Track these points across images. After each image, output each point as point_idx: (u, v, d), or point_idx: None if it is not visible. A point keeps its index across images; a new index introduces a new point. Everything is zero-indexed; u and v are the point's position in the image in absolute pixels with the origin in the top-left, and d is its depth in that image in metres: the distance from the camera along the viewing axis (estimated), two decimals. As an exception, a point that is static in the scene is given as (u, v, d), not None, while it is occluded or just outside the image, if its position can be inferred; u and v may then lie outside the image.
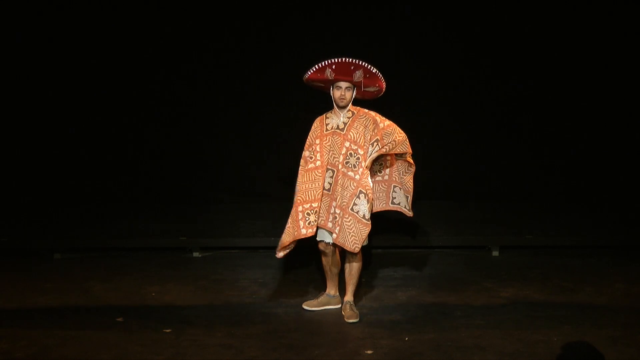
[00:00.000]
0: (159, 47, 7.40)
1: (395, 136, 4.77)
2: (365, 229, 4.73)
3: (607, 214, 7.12)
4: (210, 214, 7.35)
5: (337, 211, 4.75)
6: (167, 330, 4.57)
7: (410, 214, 5.07)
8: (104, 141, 7.54)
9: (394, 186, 5.05)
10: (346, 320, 4.81)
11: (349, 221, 4.73)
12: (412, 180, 5.04)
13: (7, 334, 4.52)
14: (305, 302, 5.03)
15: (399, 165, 5.04)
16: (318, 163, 4.83)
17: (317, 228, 4.85)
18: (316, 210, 4.78)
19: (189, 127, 7.58)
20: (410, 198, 5.04)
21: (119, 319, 4.80)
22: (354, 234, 4.72)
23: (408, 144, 4.85)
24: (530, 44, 7.29)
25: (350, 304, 4.94)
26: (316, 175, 4.82)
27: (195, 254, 6.68)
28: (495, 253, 6.54)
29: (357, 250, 4.75)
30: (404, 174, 5.04)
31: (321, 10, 7.29)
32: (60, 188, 7.51)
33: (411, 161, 4.98)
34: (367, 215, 4.74)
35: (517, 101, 7.40)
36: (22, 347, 4.29)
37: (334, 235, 4.77)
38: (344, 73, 4.68)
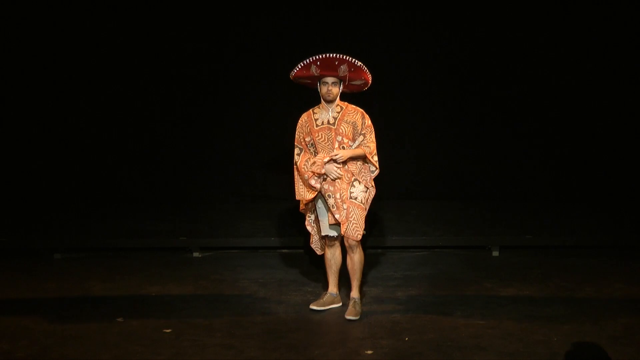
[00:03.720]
0: (161, 49, 7.40)
1: (369, 140, 4.84)
2: (363, 213, 4.82)
3: (607, 214, 7.11)
4: (210, 214, 7.35)
5: (344, 205, 4.79)
6: (167, 330, 4.57)
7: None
8: (104, 141, 7.54)
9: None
10: (345, 316, 4.83)
11: (349, 210, 4.78)
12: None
13: (7, 334, 4.52)
14: (312, 303, 5.03)
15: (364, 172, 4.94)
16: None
17: (321, 225, 4.94)
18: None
19: (189, 128, 7.58)
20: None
21: (119, 319, 4.80)
22: (354, 221, 4.78)
23: (373, 159, 4.87)
24: (531, 44, 7.29)
25: (355, 301, 4.96)
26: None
27: (195, 254, 6.69)
28: (495, 253, 6.54)
29: (359, 237, 4.81)
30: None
31: (324, 11, 7.29)
32: (61, 188, 7.51)
33: (372, 184, 4.94)
34: (363, 200, 4.82)
35: (517, 101, 7.40)
36: (22, 347, 4.29)
37: (345, 230, 4.79)
38: (328, 68, 4.74)
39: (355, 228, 4.79)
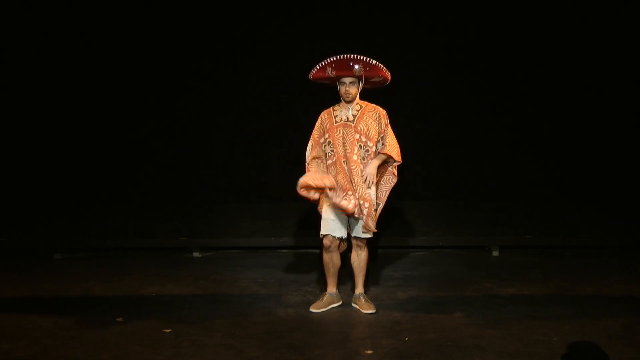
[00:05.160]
0: (161, 49, 7.40)
1: (390, 140, 4.88)
2: (371, 209, 4.86)
3: (607, 214, 7.11)
4: (210, 214, 7.35)
5: (361, 202, 4.79)
6: (167, 330, 4.57)
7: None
8: (104, 141, 7.54)
9: (378, 204, 5.04)
10: (363, 312, 4.87)
11: (368, 207, 4.81)
12: (387, 193, 5.05)
13: (7, 334, 4.52)
14: (312, 306, 5.02)
15: (384, 174, 5.04)
16: (335, 158, 4.89)
17: (324, 223, 4.93)
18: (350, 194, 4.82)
19: (190, 128, 7.58)
20: (380, 207, 5.02)
21: (119, 319, 4.80)
22: (374, 218, 4.86)
23: (398, 157, 4.93)
24: (530, 43, 7.29)
25: (363, 296, 5.01)
26: (337, 168, 4.87)
27: (195, 254, 6.69)
28: (495, 253, 6.54)
29: (369, 235, 4.86)
30: (385, 183, 5.04)
31: (322, 10, 7.30)
32: (60, 188, 7.50)
33: (395, 172, 5.00)
34: (373, 200, 4.87)
35: (517, 102, 7.40)
36: (22, 347, 4.29)
37: (366, 224, 4.81)
38: (344, 68, 4.75)
39: (372, 222, 4.83)
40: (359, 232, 4.88)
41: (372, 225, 4.81)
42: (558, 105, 7.39)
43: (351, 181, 4.80)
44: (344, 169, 4.84)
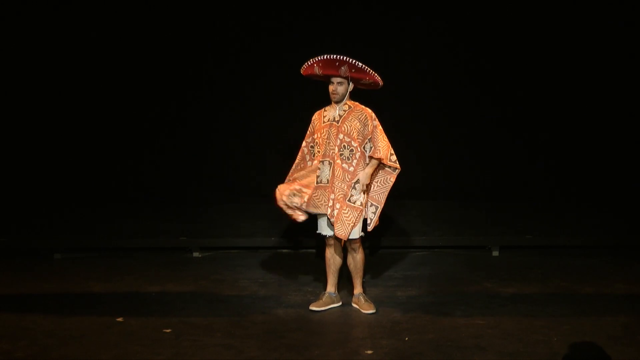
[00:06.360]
0: (159, 48, 7.40)
1: (379, 143, 4.84)
2: (360, 215, 4.85)
3: (607, 214, 7.11)
4: (210, 214, 7.34)
5: (337, 205, 4.81)
6: (167, 330, 4.57)
7: (368, 228, 5.00)
8: (104, 141, 7.53)
9: (371, 203, 5.02)
10: (364, 312, 4.88)
11: (347, 212, 4.81)
12: (386, 194, 5.00)
13: (7, 334, 4.52)
14: (312, 304, 5.03)
15: (381, 173, 5.01)
16: (320, 157, 4.92)
17: (319, 222, 4.98)
18: (302, 195, 4.92)
19: (189, 128, 7.58)
20: (379, 210, 5.00)
21: (119, 319, 4.80)
22: (347, 222, 4.81)
23: (387, 159, 4.88)
24: (529, 43, 7.29)
25: (363, 296, 5.03)
26: (316, 167, 4.93)
27: (195, 254, 6.69)
28: (495, 253, 6.54)
29: (345, 237, 4.83)
30: (381, 185, 5.01)
31: (322, 11, 7.30)
32: (61, 188, 7.50)
33: (397, 166, 4.94)
34: (362, 202, 4.86)
35: (516, 101, 7.40)
36: (22, 347, 4.29)
37: (335, 229, 4.82)
38: (330, 68, 4.77)
39: (343, 228, 4.79)
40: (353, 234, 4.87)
41: (341, 230, 4.79)
42: (558, 105, 7.38)
43: (328, 182, 4.84)
44: (319, 169, 4.88)
